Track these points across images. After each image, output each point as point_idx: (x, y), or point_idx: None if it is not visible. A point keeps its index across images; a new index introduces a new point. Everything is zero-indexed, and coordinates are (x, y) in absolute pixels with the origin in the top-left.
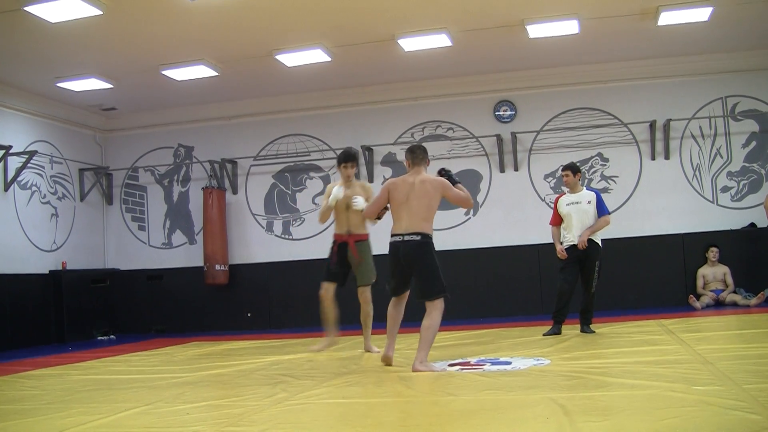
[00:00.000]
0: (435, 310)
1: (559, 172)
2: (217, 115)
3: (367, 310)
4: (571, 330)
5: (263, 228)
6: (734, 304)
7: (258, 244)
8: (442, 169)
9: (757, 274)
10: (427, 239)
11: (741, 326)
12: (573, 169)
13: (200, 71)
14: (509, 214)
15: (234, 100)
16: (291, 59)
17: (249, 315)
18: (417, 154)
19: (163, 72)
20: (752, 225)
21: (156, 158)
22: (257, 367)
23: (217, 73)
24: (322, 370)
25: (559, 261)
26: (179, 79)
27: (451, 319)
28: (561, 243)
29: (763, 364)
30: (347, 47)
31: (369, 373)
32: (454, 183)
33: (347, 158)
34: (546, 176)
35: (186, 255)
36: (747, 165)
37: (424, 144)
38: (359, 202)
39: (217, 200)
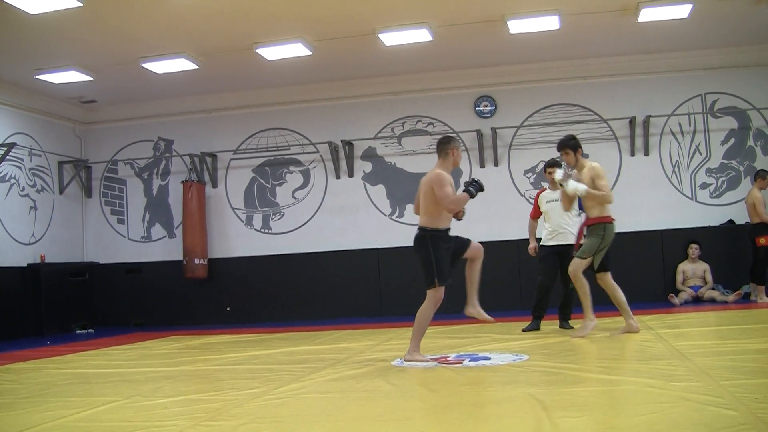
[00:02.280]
0: (426, 300)
1: (540, 167)
2: (197, 109)
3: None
4: (550, 326)
5: (243, 222)
6: (712, 301)
7: (237, 238)
8: (472, 180)
9: (736, 271)
10: (423, 233)
11: (719, 323)
12: (559, 165)
13: (181, 64)
14: (489, 209)
15: (214, 94)
16: (271, 53)
17: (228, 309)
18: (437, 146)
19: (144, 65)
20: (731, 222)
21: (136, 151)
22: (236, 361)
23: (197, 66)
24: (302, 364)
25: (539, 252)
26: (159, 71)
27: None
28: (537, 240)
29: (740, 360)
30: (328, 41)
31: (348, 368)
32: (472, 195)
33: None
34: (526, 172)
35: (165, 249)
36: (726, 162)
37: (404, 138)
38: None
39: (197, 194)
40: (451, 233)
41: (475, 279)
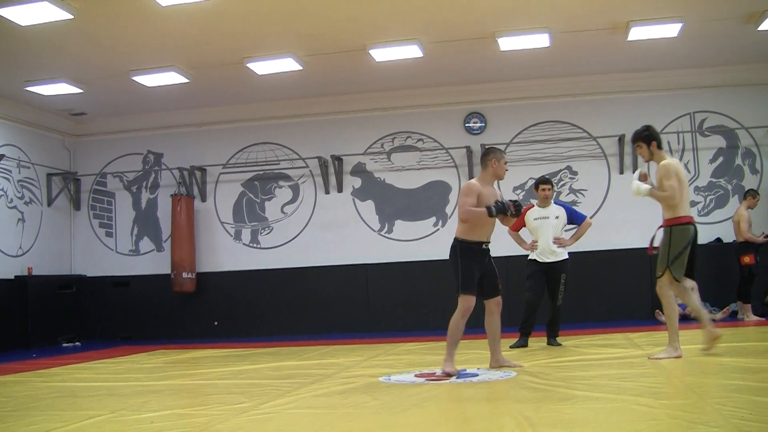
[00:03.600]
0: (456, 309)
1: (529, 184)
2: (187, 122)
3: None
4: (537, 342)
5: (231, 236)
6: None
7: (226, 253)
8: (502, 200)
9: (723, 288)
10: (455, 243)
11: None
12: (552, 183)
13: (171, 78)
14: None
15: (204, 107)
16: (262, 67)
17: (216, 324)
18: (481, 157)
19: (134, 78)
20: (718, 240)
21: (125, 164)
22: (223, 375)
23: (187, 80)
24: (289, 380)
25: (526, 268)
26: (150, 85)
27: (419, 330)
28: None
29: (726, 378)
30: (318, 56)
31: (336, 383)
32: (490, 213)
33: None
34: (515, 188)
35: (153, 262)
36: (714, 180)
37: (394, 153)
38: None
39: (186, 207)
40: (418, 249)
41: (495, 332)
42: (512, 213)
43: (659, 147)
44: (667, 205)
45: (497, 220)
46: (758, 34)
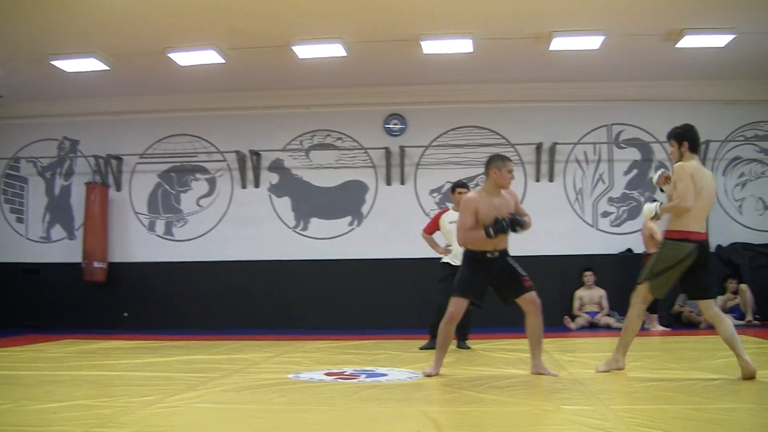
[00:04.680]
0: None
1: (446, 187)
2: (105, 110)
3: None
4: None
5: (145, 227)
6: (608, 327)
7: (139, 243)
8: (502, 219)
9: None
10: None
11: (613, 348)
12: (469, 187)
13: (91, 64)
14: (393, 227)
15: (124, 96)
16: (184, 58)
17: (126, 315)
18: (484, 166)
19: (53, 62)
20: (629, 250)
21: (39, 150)
22: (130, 367)
23: (108, 67)
24: (197, 374)
25: (439, 271)
26: (69, 70)
27: (331, 328)
28: (444, 255)
29: (630, 386)
30: (241, 50)
31: (244, 379)
32: (489, 235)
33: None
34: (432, 191)
35: (65, 250)
36: (627, 192)
37: (312, 151)
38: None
39: (100, 196)
40: (333, 247)
41: (533, 336)
42: (513, 229)
43: (693, 150)
44: (675, 215)
45: None
46: (676, 51)
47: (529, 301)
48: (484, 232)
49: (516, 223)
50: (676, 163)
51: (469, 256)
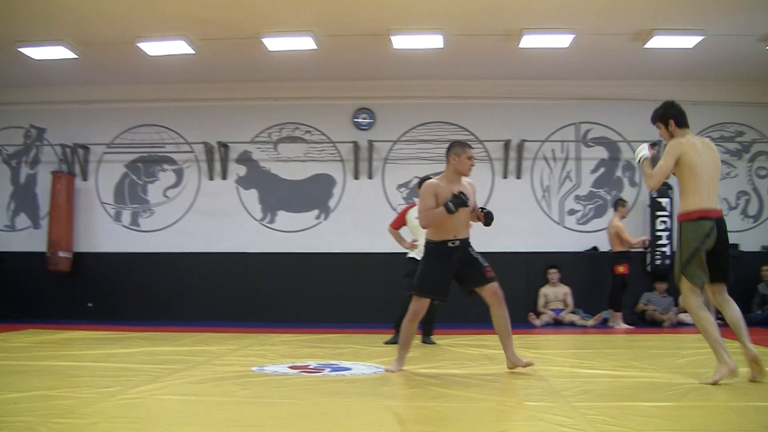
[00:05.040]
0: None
1: (413, 182)
2: (73, 99)
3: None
4: (413, 339)
5: (111, 217)
6: (572, 324)
7: (105, 233)
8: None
9: (596, 296)
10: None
11: (577, 345)
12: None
13: (59, 52)
14: (360, 221)
15: (92, 85)
16: (153, 48)
17: (90, 305)
18: (445, 152)
19: (20, 49)
20: (595, 248)
21: (5, 137)
22: (94, 358)
23: (76, 56)
24: (161, 365)
25: (405, 266)
26: (37, 57)
27: (296, 322)
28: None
29: (593, 383)
30: (212, 41)
31: (207, 371)
32: (449, 210)
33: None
34: (399, 186)
35: (29, 239)
36: (594, 190)
37: (281, 144)
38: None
39: (66, 185)
40: (300, 240)
41: (500, 328)
42: (467, 204)
43: (679, 125)
44: (681, 195)
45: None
46: (645, 51)
47: (491, 293)
48: (444, 208)
49: (489, 216)
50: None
51: (430, 247)
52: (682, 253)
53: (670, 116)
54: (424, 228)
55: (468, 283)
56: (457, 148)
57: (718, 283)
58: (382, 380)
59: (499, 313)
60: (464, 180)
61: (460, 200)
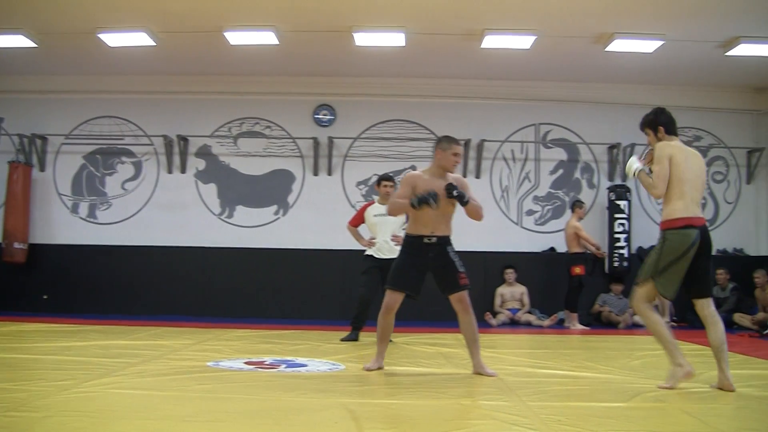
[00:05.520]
0: None
1: (372, 180)
2: (31, 88)
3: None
4: (368, 337)
5: (68, 209)
6: (528, 324)
7: (61, 225)
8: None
9: (553, 296)
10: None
11: (532, 345)
12: (395, 181)
13: (18, 41)
14: (319, 218)
15: (51, 75)
16: (114, 39)
17: (45, 297)
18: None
19: None
20: (552, 249)
21: None
22: (48, 351)
23: (35, 45)
24: (115, 359)
25: (362, 263)
26: None
27: (253, 317)
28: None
29: (548, 383)
30: (173, 34)
31: (163, 365)
32: (412, 205)
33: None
34: (359, 183)
35: None
36: (553, 191)
37: (241, 139)
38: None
39: (23, 176)
40: (257, 236)
41: (466, 334)
42: (433, 206)
43: (669, 133)
44: (664, 201)
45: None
46: (606, 54)
47: (457, 299)
48: (410, 202)
49: (452, 190)
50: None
51: (407, 241)
52: (660, 260)
53: (660, 123)
54: (389, 215)
55: (441, 286)
56: (443, 142)
57: (701, 297)
58: (337, 377)
59: (464, 319)
60: (452, 176)
61: (424, 199)
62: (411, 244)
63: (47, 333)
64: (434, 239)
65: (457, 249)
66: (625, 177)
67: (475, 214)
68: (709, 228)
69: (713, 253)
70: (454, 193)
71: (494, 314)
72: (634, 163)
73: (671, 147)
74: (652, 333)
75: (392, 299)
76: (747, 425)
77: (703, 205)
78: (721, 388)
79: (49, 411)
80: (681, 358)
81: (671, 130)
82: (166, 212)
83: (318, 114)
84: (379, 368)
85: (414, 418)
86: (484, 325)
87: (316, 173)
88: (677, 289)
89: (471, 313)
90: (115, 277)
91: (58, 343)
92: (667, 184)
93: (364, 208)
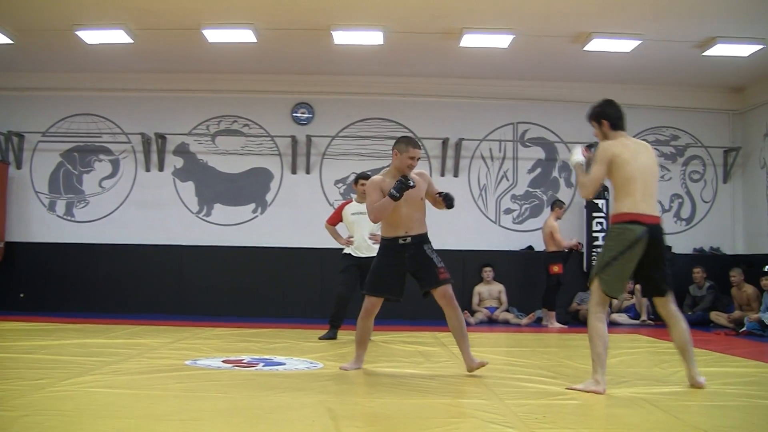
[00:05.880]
0: None
1: (350, 178)
2: (8, 85)
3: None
4: (347, 336)
5: (45, 207)
6: (506, 322)
7: (38, 223)
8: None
9: (530, 294)
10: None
11: (510, 344)
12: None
13: None
14: (297, 216)
15: (28, 72)
16: (91, 36)
17: (22, 296)
18: None
19: None
20: (530, 248)
21: None
22: (25, 350)
23: (11, 41)
24: (92, 357)
25: (340, 261)
26: None
27: (231, 316)
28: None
29: (526, 381)
30: (151, 31)
31: (140, 364)
32: (394, 197)
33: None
34: (336, 182)
35: None
36: (531, 190)
37: (219, 137)
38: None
39: None
40: (235, 234)
41: (454, 330)
42: (410, 185)
43: (614, 127)
44: (614, 199)
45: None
46: (584, 54)
47: (441, 295)
48: (389, 197)
49: (449, 198)
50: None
51: (383, 244)
52: (603, 256)
53: (605, 117)
54: (374, 222)
55: (421, 283)
56: (401, 144)
57: (658, 296)
58: (315, 376)
59: (450, 314)
60: (413, 172)
61: (401, 183)
62: (386, 246)
63: (23, 331)
64: (409, 239)
65: (437, 248)
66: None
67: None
68: (686, 226)
69: (690, 252)
70: (449, 204)
71: (472, 313)
72: (577, 155)
73: (615, 147)
74: (589, 338)
75: (371, 304)
76: (723, 422)
77: (680, 204)
78: (693, 386)
79: (25, 410)
80: (602, 376)
81: (617, 124)
82: (143, 210)
83: (296, 112)
84: (357, 369)
85: (392, 417)
86: None
87: (294, 171)
88: (622, 289)
89: (456, 307)
90: (92, 275)
91: (34, 342)
92: (597, 188)
93: (341, 207)
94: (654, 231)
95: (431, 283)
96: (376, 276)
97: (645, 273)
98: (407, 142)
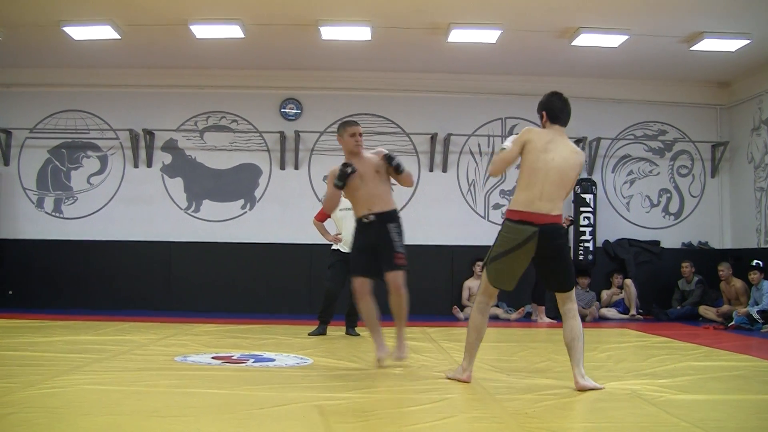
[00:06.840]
0: None
1: None
2: None
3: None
4: (336, 331)
5: (33, 204)
6: (496, 318)
7: (26, 220)
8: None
9: (519, 290)
10: None
11: (500, 339)
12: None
13: None
14: (285, 212)
15: (14, 68)
16: (78, 32)
17: (10, 293)
18: None
19: None
20: None
21: None
22: (13, 347)
23: None
24: (81, 354)
25: (328, 257)
26: None
27: (220, 312)
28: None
29: (515, 376)
30: (138, 27)
31: (129, 361)
32: (338, 187)
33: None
34: (325, 177)
35: None
36: None
37: (207, 132)
38: None
39: None
40: (224, 230)
41: (395, 314)
42: (349, 171)
43: (552, 120)
44: (516, 188)
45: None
46: (571, 49)
47: (391, 279)
48: (334, 186)
49: (392, 159)
50: None
51: (355, 225)
52: (492, 248)
53: (545, 108)
54: (327, 212)
55: (381, 265)
56: (339, 129)
57: (560, 292)
58: (305, 372)
59: (394, 300)
60: (370, 152)
61: (341, 171)
62: (356, 227)
63: (12, 329)
64: (372, 217)
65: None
66: (590, 171)
67: (409, 181)
68: (674, 221)
69: (678, 246)
70: (393, 163)
71: (462, 308)
72: (507, 141)
73: (534, 134)
74: (467, 326)
75: (357, 284)
76: (711, 416)
77: (668, 199)
78: (578, 389)
79: (13, 408)
80: (468, 364)
81: (556, 117)
82: (132, 206)
83: (284, 108)
84: (381, 356)
85: (381, 413)
86: (451, 318)
87: (282, 167)
88: (510, 284)
89: (402, 296)
90: (81, 272)
91: (22, 339)
92: (505, 167)
93: None
94: (548, 231)
95: (386, 265)
96: (352, 256)
97: (544, 269)
98: (343, 125)
